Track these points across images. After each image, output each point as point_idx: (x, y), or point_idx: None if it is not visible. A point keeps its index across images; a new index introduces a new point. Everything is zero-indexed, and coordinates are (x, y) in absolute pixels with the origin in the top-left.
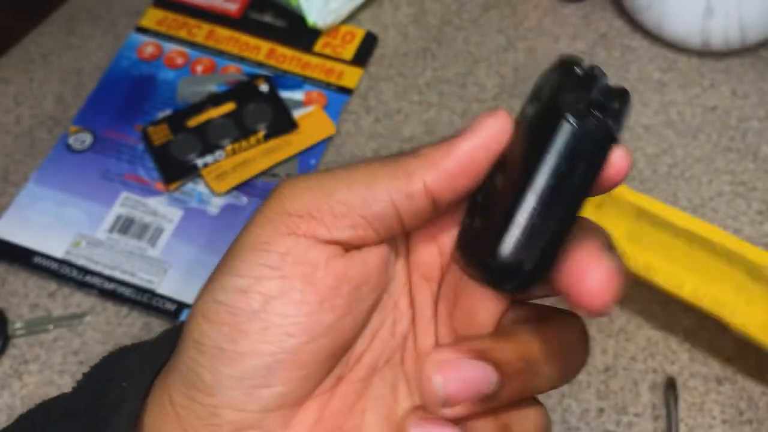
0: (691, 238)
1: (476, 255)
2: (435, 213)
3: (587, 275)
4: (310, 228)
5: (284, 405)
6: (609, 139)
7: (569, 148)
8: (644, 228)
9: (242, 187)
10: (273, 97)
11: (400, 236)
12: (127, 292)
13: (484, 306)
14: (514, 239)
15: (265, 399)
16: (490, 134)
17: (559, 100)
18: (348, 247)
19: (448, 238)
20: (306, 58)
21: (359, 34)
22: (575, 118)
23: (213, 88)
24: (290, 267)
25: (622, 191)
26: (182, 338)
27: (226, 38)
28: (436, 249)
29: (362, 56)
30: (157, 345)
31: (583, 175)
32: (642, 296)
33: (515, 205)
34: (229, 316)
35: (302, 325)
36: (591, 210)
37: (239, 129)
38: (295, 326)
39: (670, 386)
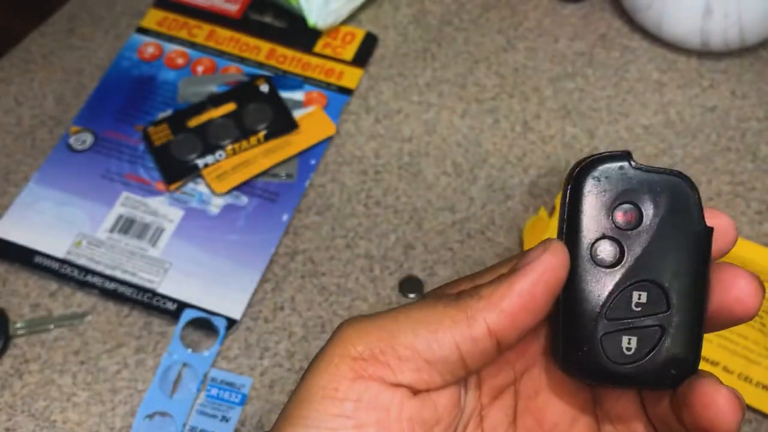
0: None
1: (651, 372)
2: (500, 352)
3: (736, 285)
4: (376, 371)
5: None
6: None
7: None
8: None
9: (243, 187)
10: (273, 98)
11: (467, 378)
12: (128, 291)
13: (577, 409)
14: (701, 346)
15: None
16: (548, 269)
17: (690, 209)
18: (414, 390)
19: (520, 357)
20: (306, 58)
21: (359, 34)
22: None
23: (213, 88)
24: (364, 414)
25: None
26: None
27: (227, 39)
28: (510, 370)
29: (362, 57)
30: None
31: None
32: None
33: (698, 319)
34: None
35: None
36: None
37: (240, 129)
38: None
39: None
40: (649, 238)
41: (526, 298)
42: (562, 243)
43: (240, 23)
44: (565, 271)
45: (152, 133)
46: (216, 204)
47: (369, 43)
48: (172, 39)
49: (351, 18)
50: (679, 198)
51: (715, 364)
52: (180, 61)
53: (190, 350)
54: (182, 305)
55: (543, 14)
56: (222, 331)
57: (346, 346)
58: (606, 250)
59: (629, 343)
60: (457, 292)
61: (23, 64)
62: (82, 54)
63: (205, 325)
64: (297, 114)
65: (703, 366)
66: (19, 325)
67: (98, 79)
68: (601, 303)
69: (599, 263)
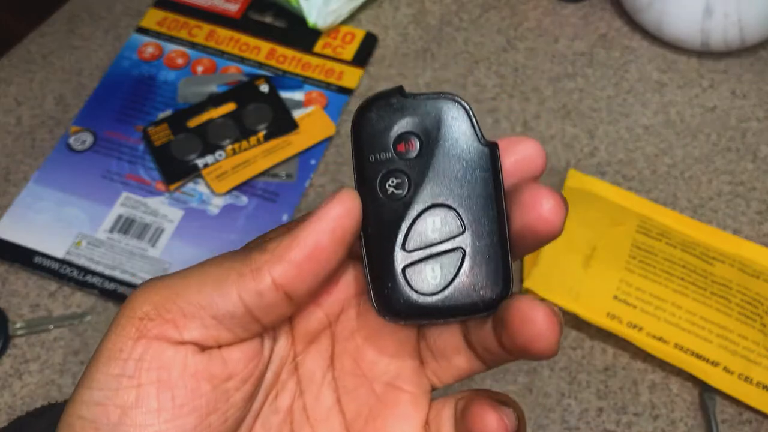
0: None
1: (473, 297)
2: (294, 305)
3: (537, 203)
4: (161, 330)
5: None
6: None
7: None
8: (635, 277)
9: (242, 187)
10: (273, 98)
11: (265, 332)
12: (127, 291)
13: (396, 346)
14: (509, 265)
15: None
16: (334, 217)
17: (465, 129)
18: (203, 347)
19: (330, 299)
20: (306, 58)
21: (359, 34)
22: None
23: (213, 88)
24: (145, 373)
25: (625, 228)
26: None
27: (227, 39)
28: (322, 314)
29: (362, 57)
30: None
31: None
32: None
33: (497, 236)
34: (92, 431)
35: None
36: (579, 268)
37: (239, 129)
38: None
39: (709, 397)
40: (431, 163)
41: (311, 248)
42: (351, 190)
43: (240, 23)
44: (355, 217)
45: (152, 133)
46: (216, 204)
47: (369, 43)
48: (172, 39)
49: (351, 18)
50: (452, 119)
51: (715, 364)
52: (180, 61)
53: None
54: None
55: (543, 14)
56: None
57: (133, 307)
58: (393, 183)
59: (433, 271)
60: (247, 244)
61: (23, 64)
62: (82, 54)
63: None
64: (297, 114)
65: (702, 366)
66: (18, 325)
67: (98, 79)
68: (397, 235)
69: (390, 198)
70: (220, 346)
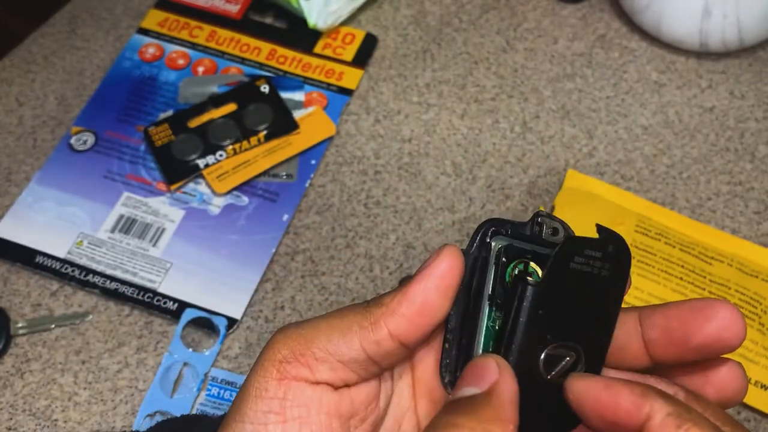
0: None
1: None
2: (409, 351)
3: (717, 313)
4: (298, 372)
5: None
6: None
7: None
8: (633, 277)
9: (243, 187)
10: (274, 98)
11: (388, 370)
12: (128, 291)
13: None
14: None
15: None
16: (440, 275)
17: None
18: (334, 386)
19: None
20: (306, 59)
21: (359, 35)
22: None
23: (214, 88)
24: (289, 410)
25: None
26: None
27: (228, 39)
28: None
29: (362, 57)
30: None
31: None
32: None
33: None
34: None
35: None
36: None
37: (240, 129)
38: None
39: None
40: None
41: (420, 304)
42: (453, 247)
43: (241, 24)
44: (458, 273)
45: (153, 133)
46: (217, 204)
47: (369, 44)
48: (173, 40)
49: (351, 19)
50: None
51: None
52: (181, 61)
53: (190, 350)
54: (183, 305)
55: (542, 15)
56: (222, 330)
57: (273, 351)
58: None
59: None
60: (366, 301)
61: (24, 64)
62: (84, 54)
63: (205, 324)
64: (297, 114)
65: None
66: (20, 324)
67: (99, 80)
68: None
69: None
70: (347, 386)
